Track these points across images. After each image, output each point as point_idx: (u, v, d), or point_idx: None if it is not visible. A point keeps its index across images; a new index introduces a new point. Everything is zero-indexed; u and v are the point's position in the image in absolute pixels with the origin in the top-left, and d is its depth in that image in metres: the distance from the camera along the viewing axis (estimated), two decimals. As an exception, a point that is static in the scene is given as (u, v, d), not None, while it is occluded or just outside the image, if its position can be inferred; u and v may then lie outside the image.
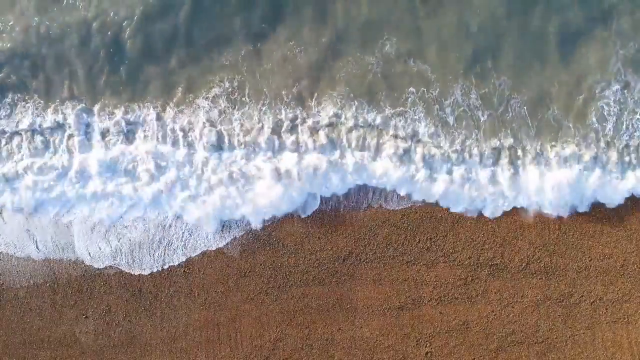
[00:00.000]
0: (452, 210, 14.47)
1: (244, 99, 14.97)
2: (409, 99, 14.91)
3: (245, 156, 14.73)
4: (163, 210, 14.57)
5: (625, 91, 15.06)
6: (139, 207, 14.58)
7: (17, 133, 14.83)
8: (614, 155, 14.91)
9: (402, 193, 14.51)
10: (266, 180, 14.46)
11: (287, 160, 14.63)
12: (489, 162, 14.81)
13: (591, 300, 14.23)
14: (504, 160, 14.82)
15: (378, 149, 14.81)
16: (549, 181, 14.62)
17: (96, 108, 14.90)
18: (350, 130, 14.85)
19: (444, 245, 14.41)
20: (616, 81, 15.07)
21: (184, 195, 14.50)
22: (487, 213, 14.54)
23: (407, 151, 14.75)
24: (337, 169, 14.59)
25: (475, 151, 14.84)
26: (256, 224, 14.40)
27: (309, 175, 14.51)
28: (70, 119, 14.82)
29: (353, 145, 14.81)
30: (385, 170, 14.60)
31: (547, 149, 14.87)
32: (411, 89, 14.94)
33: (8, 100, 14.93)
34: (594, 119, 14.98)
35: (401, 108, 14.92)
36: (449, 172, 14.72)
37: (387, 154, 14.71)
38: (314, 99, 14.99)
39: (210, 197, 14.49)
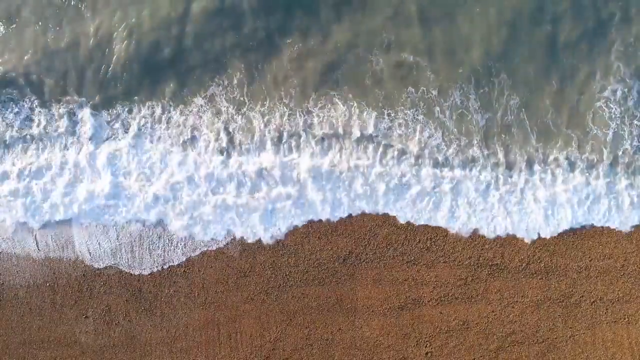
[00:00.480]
0: (451, 231, 14.55)
1: (242, 98, 15.00)
2: (409, 99, 14.94)
3: (246, 162, 14.72)
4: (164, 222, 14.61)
5: (625, 90, 15.08)
6: (140, 216, 14.61)
7: (21, 138, 14.91)
8: (622, 180, 14.82)
9: (402, 221, 14.50)
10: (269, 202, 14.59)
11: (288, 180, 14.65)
12: (487, 186, 14.73)
13: (591, 300, 14.22)
14: (505, 186, 14.76)
15: (380, 160, 14.82)
16: (552, 210, 14.67)
17: (98, 108, 14.99)
18: (349, 136, 14.89)
19: (444, 245, 14.41)
20: (616, 81, 15.14)
21: (186, 210, 14.53)
22: (488, 235, 14.61)
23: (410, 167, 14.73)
24: (340, 192, 14.61)
25: (475, 172, 14.79)
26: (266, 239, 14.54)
27: (312, 203, 14.56)
28: (64, 121, 14.87)
29: (354, 155, 14.83)
30: (387, 200, 14.58)
31: (549, 168, 14.82)
32: (410, 89, 14.98)
33: (13, 105, 15.02)
34: (593, 125, 14.95)
35: (401, 107, 14.95)
36: (453, 191, 14.68)
37: (389, 177, 14.67)
38: (310, 99, 15.01)
39: (211, 211, 14.52)
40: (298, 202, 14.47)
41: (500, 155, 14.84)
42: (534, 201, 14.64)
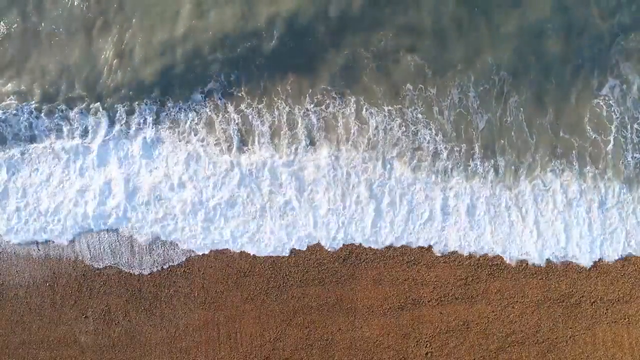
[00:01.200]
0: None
1: (240, 94, 15.00)
2: (407, 97, 14.92)
3: (244, 160, 14.74)
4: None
5: (625, 86, 15.01)
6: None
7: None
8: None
9: (398, 245, 14.46)
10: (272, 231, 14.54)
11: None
12: (480, 213, 14.58)
13: (591, 301, 14.21)
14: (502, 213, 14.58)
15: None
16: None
17: (98, 109, 15.02)
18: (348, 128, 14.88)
19: (444, 245, 14.44)
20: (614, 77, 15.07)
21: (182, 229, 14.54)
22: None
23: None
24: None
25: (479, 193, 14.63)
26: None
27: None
28: (61, 124, 14.92)
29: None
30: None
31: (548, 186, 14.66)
32: (408, 85, 14.96)
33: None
34: (591, 129, 14.86)
35: (399, 106, 14.91)
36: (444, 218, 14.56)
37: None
38: (307, 95, 15.01)
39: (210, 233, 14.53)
40: (295, 225, 14.44)
41: (499, 168, 14.73)
42: (524, 223, 14.49)
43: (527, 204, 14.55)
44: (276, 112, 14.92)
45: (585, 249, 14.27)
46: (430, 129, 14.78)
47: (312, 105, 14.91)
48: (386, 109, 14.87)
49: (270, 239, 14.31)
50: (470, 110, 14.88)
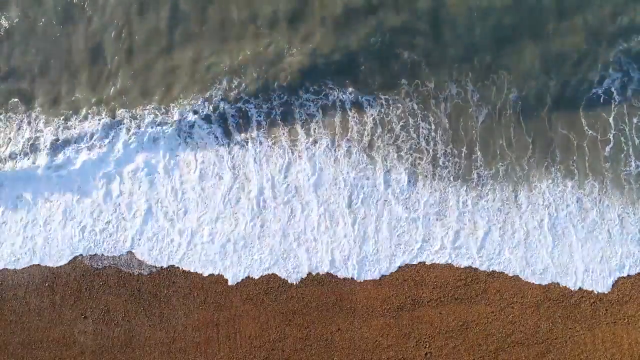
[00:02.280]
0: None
1: (237, 93, 15.01)
2: (403, 91, 14.92)
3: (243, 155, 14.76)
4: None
5: (626, 79, 14.94)
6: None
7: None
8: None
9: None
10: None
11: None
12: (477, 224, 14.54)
13: (591, 301, 14.20)
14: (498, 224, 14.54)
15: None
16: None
17: (101, 114, 15.06)
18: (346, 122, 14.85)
19: (443, 246, 14.43)
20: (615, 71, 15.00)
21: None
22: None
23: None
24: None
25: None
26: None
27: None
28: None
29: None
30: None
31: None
32: (404, 80, 14.96)
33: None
34: (589, 129, 14.80)
35: (396, 97, 14.90)
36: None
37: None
38: (302, 88, 15.03)
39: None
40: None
41: (497, 178, 14.65)
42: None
43: (525, 219, 14.54)
44: (274, 103, 14.91)
45: (603, 277, 14.25)
46: (429, 125, 14.76)
47: (308, 94, 14.90)
48: (382, 97, 14.83)
49: (262, 259, 14.35)
50: (470, 103, 14.85)
